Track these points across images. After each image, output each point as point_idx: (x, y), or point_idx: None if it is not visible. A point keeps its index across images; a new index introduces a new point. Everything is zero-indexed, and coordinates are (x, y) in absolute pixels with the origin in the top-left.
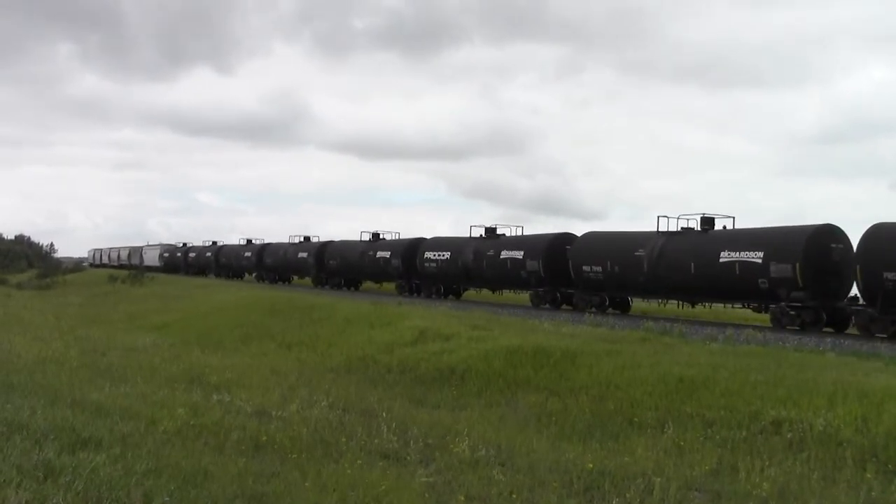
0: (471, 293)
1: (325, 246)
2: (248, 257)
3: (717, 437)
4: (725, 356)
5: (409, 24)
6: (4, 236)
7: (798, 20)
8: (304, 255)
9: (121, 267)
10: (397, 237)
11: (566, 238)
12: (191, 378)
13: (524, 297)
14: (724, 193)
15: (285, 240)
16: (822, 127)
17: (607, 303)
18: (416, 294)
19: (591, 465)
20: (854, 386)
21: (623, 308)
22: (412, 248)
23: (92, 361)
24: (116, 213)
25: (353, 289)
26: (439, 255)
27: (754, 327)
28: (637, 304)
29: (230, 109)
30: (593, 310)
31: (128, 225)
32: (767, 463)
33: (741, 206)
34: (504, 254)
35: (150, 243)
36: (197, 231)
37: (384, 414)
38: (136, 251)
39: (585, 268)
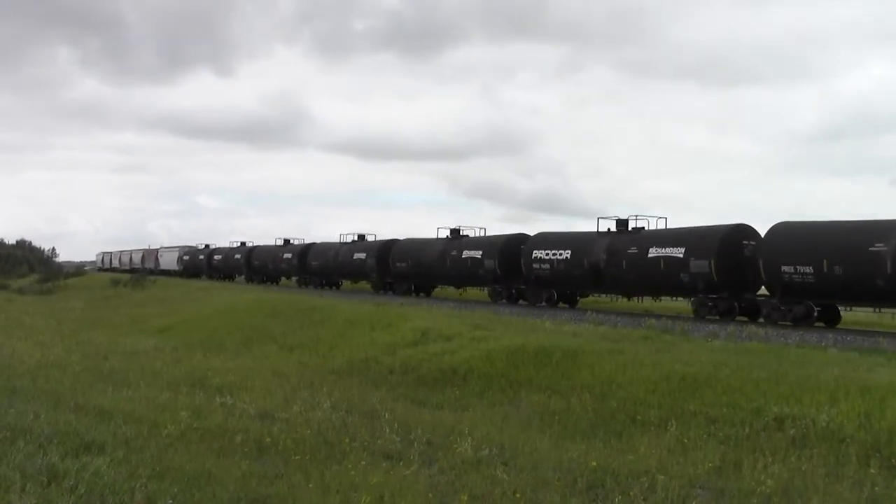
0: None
1: (391, 245)
2: (287, 259)
3: (720, 434)
4: (727, 353)
5: (409, 25)
6: (5, 241)
7: (797, 18)
8: (363, 255)
9: (133, 271)
10: (484, 234)
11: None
12: (193, 381)
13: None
14: (724, 192)
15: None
16: (823, 125)
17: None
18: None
19: (594, 464)
20: (856, 382)
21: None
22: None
23: (94, 366)
24: (117, 216)
25: (421, 295)
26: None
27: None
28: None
29: (230, 112)
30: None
31: (128, 228)
32: (771, 460)
33: (742, 205)
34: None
35: (166, 245)
36: (197, 233)
37: (387, 415)
38: (150, 254)
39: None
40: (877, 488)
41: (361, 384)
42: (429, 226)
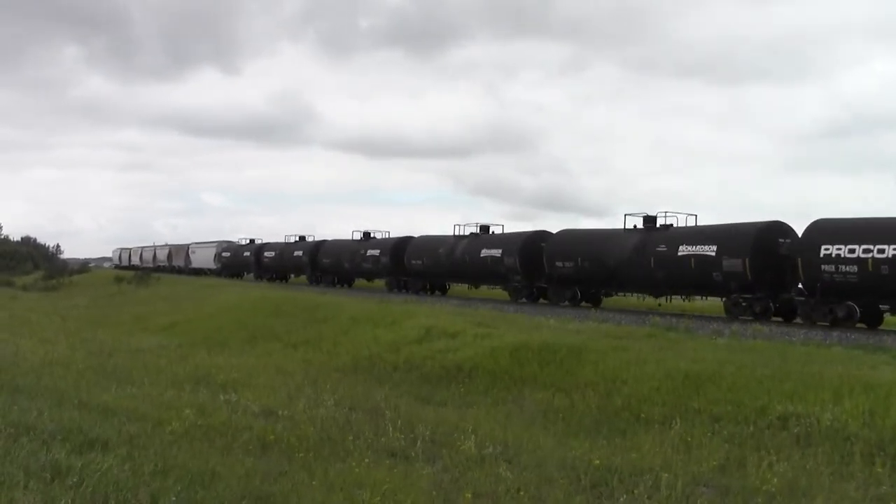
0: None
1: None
2: (372, 257)
3: (725, 432)
4: (731, 351)
5: (414, 23)
6: (10, 238)
7: (801, 16)
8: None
9: (158, 269)
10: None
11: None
12: (197, 379)
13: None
14: (729, 190)
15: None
16: (828, 122)
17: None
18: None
19: (597, 462)
20: (860, 379)
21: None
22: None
23: (98, 363)
24: (121, 214)
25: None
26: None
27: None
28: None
29: (235, 110)
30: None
31: (134, 226)
32: (775, 458)
33: (746, 202)
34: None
35: (199, 241)
36: (201, 232)
37: (390, 412)
38: (179, 250)
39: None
40: (883, 487)
41: (365, 381)
42: (433, 223)
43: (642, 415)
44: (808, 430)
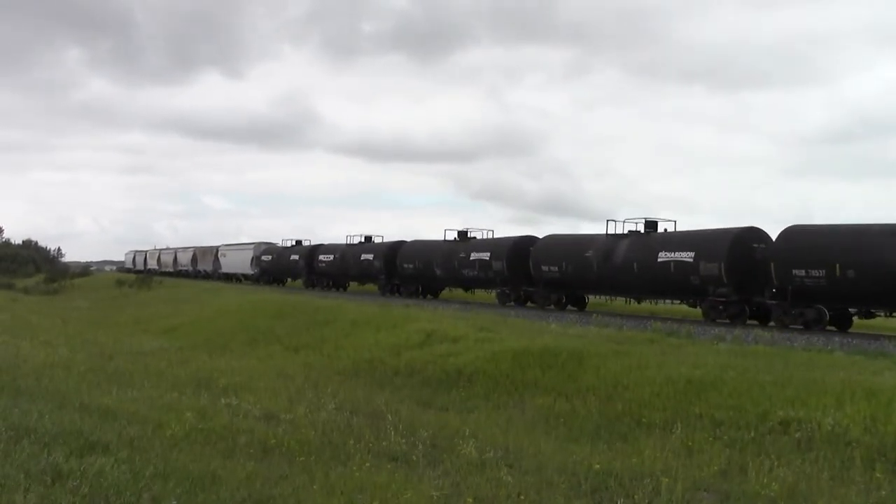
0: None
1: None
2: (480, 263)
3: (726, 437)
4: (733, 356)
5: (417, 27)
6: (12, 241)
7: (805, 21)
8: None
9: (179, 274)
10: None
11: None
12: (198, 382)
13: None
14: (731, 194)
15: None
16: (831, 127)
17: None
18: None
19: (598, 466)
20: (862, 385)
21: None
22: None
23: (99, 366)
24: (123, 217)
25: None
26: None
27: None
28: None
29: (239, 113)
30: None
31: (135, 228)
32: (776, 463)
33: (749, 207)
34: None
35: (230, 242)
36: (202, 235)
37: (391, 416)
38: (205, 253)
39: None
40: (883, 492)
41: (366, 385)
42: (436, 227)
43: (643, 420)
44: (810, 435)
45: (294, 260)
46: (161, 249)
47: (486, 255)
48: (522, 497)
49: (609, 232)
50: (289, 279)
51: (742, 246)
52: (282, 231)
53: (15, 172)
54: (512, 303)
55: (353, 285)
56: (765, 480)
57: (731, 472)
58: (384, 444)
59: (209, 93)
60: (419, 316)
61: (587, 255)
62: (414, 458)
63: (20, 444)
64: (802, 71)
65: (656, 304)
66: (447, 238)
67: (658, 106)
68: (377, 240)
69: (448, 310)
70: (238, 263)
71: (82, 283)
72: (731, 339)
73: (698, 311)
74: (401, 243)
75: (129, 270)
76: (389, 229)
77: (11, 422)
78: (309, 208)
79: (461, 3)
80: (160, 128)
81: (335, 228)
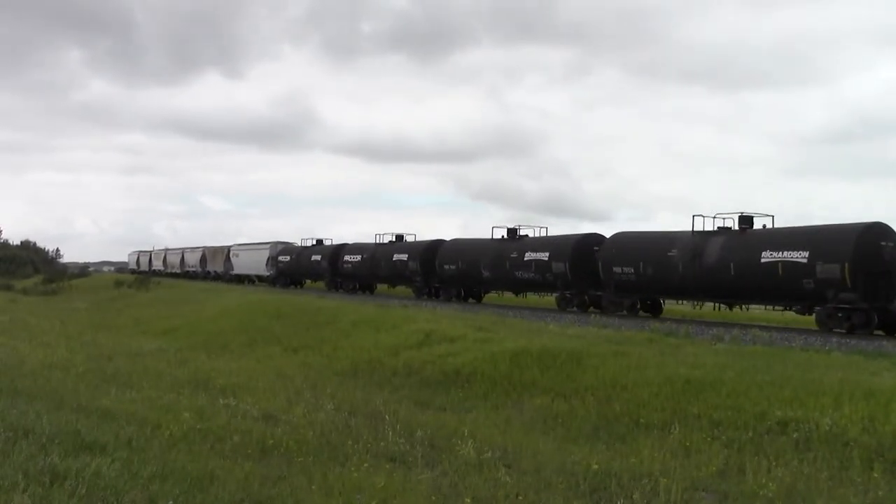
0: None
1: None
2: (537, 264)
3: (724, 437)
4: (731, 356)
5: (417, 27)
6: (10, 242)
7: (805, 20)
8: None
9: (187, 275)
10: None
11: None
12: (197, 382)
13: (543, 299)
14: (731, 194)
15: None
16: (830, 127)
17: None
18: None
19: (596, 467)
20: (860, 385)
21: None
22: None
23: (97, 367)
24: (123, 217)
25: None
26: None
27: (761, 327)
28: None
29: (239, 114)
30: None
31: (135, 229)
32: (774, 463)
33: (749, 207)
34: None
35: (244, 242)
36: (202, 235)
37: (390, 417)
38: (216, 253)
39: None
40: (881, 492)
41: (365, 386)
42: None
43: (642, 420)
44: (808, 435)
45: (315, 261)
46: (168, 249)
47: (544, 256)
48: (521, 497)
49: (696, 228)
50: (308, 281)
51: (869, 244)
52: (282, 231)
53: (14, 173)
54: (575, 308)
55: (380, 288)
56: (763, 480)
57: (729, 472)
58: (382, 444)
59: (209, 93)
60: (418, 316)
61: (670, 254)
62: (412, 458)
63: (18, 445)
64: (802, 71)
65: (747, 309)
66: (494, 237)
67: (658, 106)
68: (409, 238)
69: (447, 310)
70: (252, 264)
71: (80, 284)
72: (729, 340)
73: (809, 318)
74: (439, 242)
75: (133, 271)
76: (389, 230)
77: (10, 422)
78: (309, 209)
79: (461, 3)
80: (160, 128)
81: (335, 229)
